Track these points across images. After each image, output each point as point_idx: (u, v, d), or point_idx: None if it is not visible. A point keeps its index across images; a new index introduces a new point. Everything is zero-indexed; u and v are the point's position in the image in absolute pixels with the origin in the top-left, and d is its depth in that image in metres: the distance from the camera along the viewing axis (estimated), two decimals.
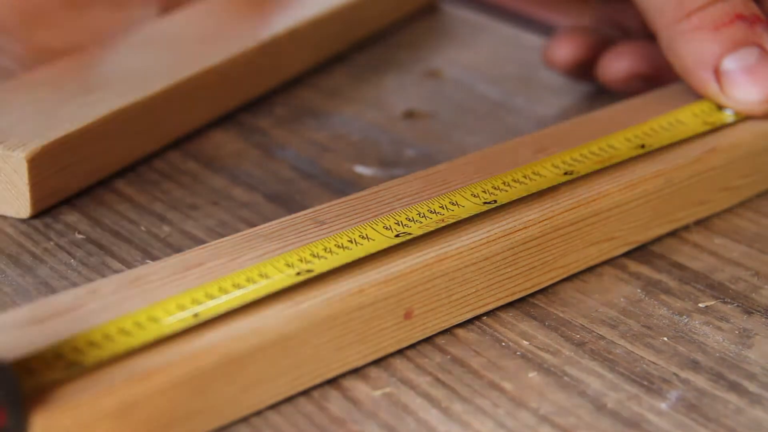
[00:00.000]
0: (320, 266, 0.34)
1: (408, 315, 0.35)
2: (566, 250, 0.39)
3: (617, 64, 0.50)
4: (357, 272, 0.35)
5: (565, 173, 0.40)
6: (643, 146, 0.41)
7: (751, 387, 0.35)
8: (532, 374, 0.35)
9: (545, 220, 0.38)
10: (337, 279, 0.34)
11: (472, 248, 0.36)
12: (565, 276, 0.39)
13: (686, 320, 0.38)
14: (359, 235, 0.36)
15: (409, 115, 0.52)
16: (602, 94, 0.53)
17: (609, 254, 0.40)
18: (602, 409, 0.34)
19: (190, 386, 0.31)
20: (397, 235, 0.36)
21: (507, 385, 0.35)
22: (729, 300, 0.39)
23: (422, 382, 0.35)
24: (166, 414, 0.31)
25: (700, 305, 0.39)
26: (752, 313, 0.38)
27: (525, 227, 0.37)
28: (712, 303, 0.39)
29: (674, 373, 0.35)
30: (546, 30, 0.61)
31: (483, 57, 0.58)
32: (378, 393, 0.34)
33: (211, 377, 0.32)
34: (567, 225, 0.38)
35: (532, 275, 0.38)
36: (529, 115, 0.52)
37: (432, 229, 0.36)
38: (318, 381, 0.34)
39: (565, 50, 0.52)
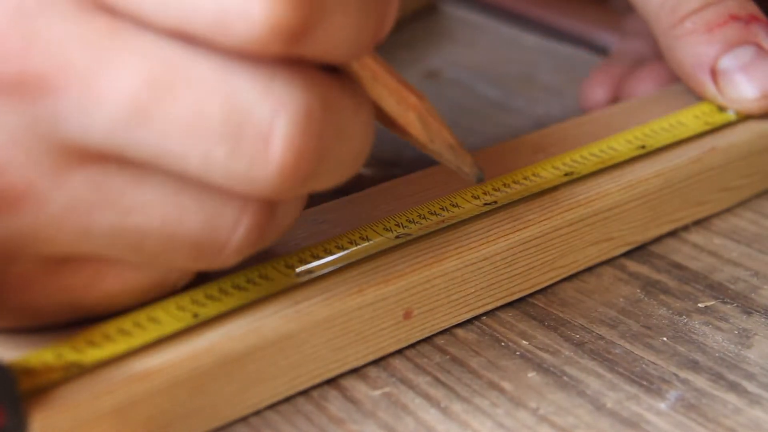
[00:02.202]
0: (319, 267, 0.34)
1: (407, 315, 0.35)
2: (565, 251, 0.39)
3: (640, 88, 0.50)
4: (356, 272, 0.35)
5: (566, 174, 0.40)
6: (643, 147, 0.41)
7: (751, 387, 0.35)
8: (531, 374, 0.35)
9: (544, 220, 0.38)
10: (336, 279, 0.34)
11: (471, 248, 0.36)
12: (564, 276, 0.39)
13: (686, 320, 0.38)
14: (359, 236, 0.36)
15: None
16: None
17: (608, 254, 0.40)
18: (601, 409, 0.34)
19: (190, 386, 0.31)
20: (396, 236, 0.36)
21: (506, 385, 0.35)
22: (728, 300, 0.39)
23: (421, 381, 0.35)
24: (165, 414, 0.31)
25: (700, 305, 0.39)
26: (751, 313, 0.38)
27: (525, 227, 0.37)
28: (712, 303, 0.39)
29: (674, 373, 0.35)
30: (545, 30, 0.61)
31: (482, 57, 0.58)
32: (377, 393, 0.34)
33: (210, 377, 0.32)
34: (566, 225, 0.38)
35: (531, 275, 0.38)
36: (529, 116, 0.52)
37: (431, 230, 0.36)
38: (317, 381, 0.34)
39: (599, 94, 0.52)
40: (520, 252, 0.38)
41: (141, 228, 0.29)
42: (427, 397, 0.34)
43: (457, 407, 0.34)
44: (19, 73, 0.27)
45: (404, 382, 0.35)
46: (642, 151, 0.41)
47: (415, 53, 0.58)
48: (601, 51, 0.59)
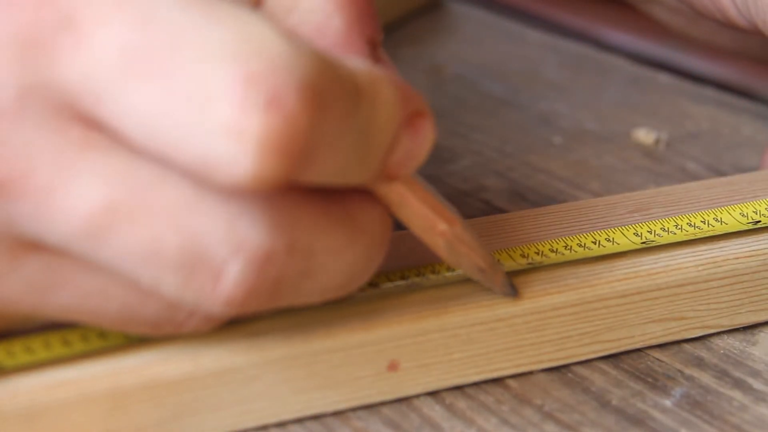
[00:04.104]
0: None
1: (393, 367, 0.33)
2: (614, 324, 0.35)
3: None
4: (331, 313, 0.32)
5: (642, 243, 0.35)
6: (757, 223, 0.37)
7: (756, 384, 0.35)
8: (536, 371, 0.35)
9: (585, 287, 0.34)
10: (307, 318, 0.32)
11: (481, 306, 0.33)
12: (614, 351, 0.35)
13: None
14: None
15: None
16: (606, 93, 0.53)
17: (679, 335, 0.36)
18: (607, 406, 0.34)
19: (108, 404, 0.30)
20: (409, 284, 0.34)
21: (511, 382, 0.34)
22: None
23: None
24: (79, 428, 0.30)
25: None
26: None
27: (559, 291, 0.34)
28: None
29: (679, 370, 0.35)
30: (550, 26, 0.61)
31: (487, 53, 0.58)
32: None
33: (134, 399, 0.30)
34: (615, 296, 0.35)
35: (565, 345, 0.35)
36: (534, 112, 0.52)
37: (449, 282, 0.34)
38: (274, 420, 0.32)
39: None
40: (551, 318, 0.34)
41: (98, 309, 0.29)
42: (431, 394, 0.34)
43: (461, 404, 0.34)
44: None
45: None
46: (750, 227, 0.36)
47: (420, 49, 0.58)
48: (605, 47, 0.59)
